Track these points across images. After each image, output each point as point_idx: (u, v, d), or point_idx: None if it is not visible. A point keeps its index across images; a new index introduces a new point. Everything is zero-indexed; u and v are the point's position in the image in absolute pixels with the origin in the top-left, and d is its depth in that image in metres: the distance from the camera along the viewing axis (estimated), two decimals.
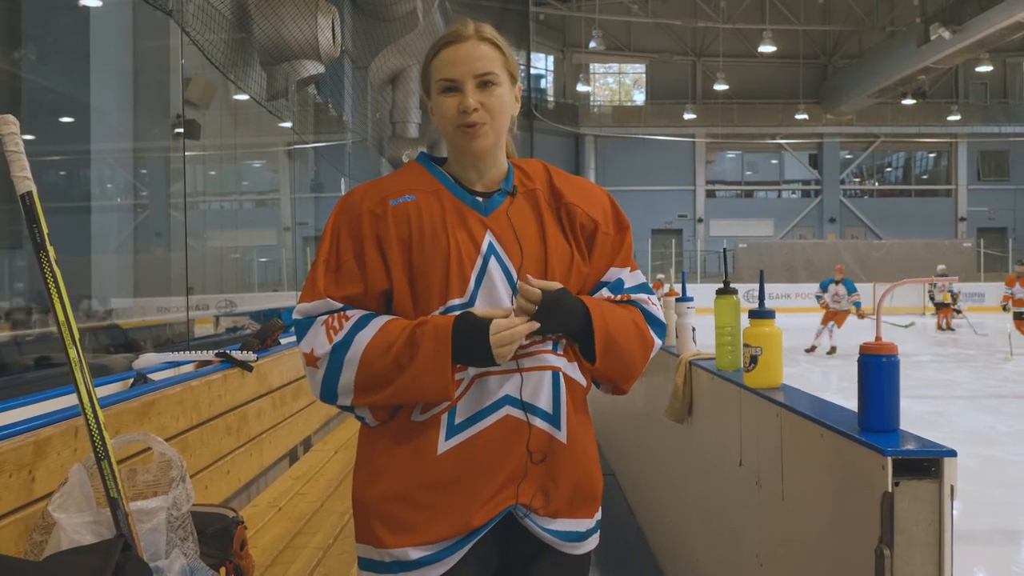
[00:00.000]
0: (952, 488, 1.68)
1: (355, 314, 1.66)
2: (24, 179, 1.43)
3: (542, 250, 1.73)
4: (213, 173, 10.70)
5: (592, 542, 1.85)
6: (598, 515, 1.86)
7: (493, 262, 1.68)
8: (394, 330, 1.62)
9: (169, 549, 1.40)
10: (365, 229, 1.68)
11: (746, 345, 2.58)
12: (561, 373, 1.71)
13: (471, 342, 1.59)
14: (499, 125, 1.71)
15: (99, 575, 1.14)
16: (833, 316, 15.06)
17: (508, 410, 1.67)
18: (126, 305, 7.56)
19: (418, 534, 1.66)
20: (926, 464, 1.68)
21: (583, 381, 1.77)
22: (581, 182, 1.86)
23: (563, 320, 1.68)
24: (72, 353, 1.35)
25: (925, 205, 35.73)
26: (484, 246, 1.69)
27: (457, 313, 1.62)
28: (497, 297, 1.67)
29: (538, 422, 1.69)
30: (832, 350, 14.57)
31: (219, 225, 11.03)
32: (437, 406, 1.65)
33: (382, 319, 1.65)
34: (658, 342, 1.85)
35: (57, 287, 1.36)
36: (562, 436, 1.71)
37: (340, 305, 1.67)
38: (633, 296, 1.83)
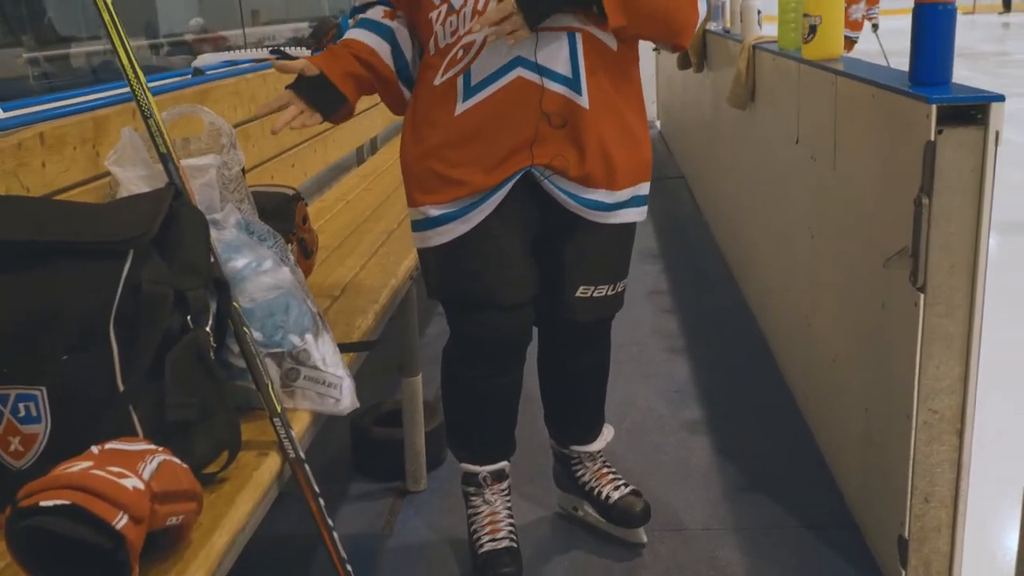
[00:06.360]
0: (997, 134, 1.64)
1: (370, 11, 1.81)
2: None
3: None
4: None
5: (630, 215, 1.85)
6: (642, 189, 1.85)
7: None
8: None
9: (223, 205, 1.50)
10: None
11: (805, 15, 2.47)
12: (579, 34, 1.66)
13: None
14: None
15: (152, 217, 1.23)
16: None
17: (520, 72, 1.66)
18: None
19: (439, 194, 1.74)
20: (973, 111, 1.65)
21: (614, 45, 1.71)
22: None
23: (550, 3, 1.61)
24: (106, 16, 1.38)
25: None
26: None
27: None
28: None
29: (553, 85, 1.67)
30: None
31: None
32: (453, 68, 1.68)
33: (352, 35, 1.80)
34: None
35: None
36: (583, 101, 1.69)
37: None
38: None
